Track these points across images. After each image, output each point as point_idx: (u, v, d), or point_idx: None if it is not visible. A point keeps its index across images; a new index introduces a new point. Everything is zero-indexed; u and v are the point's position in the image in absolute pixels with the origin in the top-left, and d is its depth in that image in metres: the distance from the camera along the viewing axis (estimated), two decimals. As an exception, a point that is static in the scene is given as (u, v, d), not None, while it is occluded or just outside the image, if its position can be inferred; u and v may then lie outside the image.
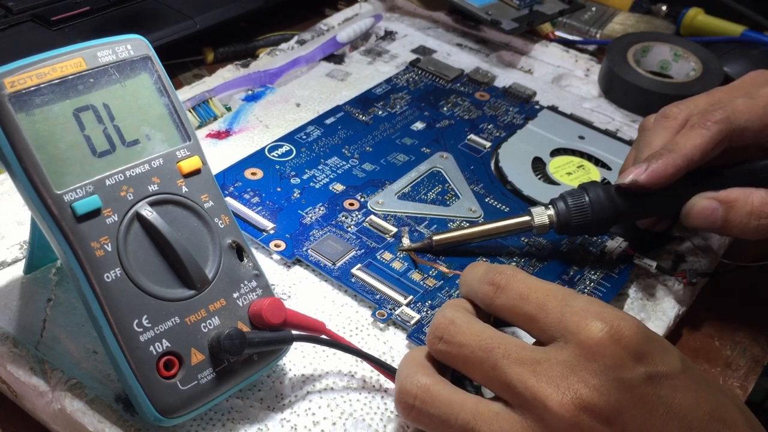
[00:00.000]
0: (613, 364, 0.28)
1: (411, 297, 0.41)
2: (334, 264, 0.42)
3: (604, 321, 0.29)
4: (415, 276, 0.42)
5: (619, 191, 0.42)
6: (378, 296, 0.41)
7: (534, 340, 0.32)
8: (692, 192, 0.41)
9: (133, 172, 0.33)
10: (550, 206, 0.43)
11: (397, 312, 0.40)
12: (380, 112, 0.56)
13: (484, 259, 0.44)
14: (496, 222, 0.44)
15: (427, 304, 0.40)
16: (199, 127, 0.53)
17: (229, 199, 0.45)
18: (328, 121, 0.54)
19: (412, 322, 0.39)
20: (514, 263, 0.44)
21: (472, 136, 0.54)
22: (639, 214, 0.43)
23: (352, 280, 0.41)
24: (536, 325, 0.31)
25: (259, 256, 0.42)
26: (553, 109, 0.58)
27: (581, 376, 0.28)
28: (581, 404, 0.28)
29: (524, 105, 0.58)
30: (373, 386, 0.37)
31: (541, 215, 0.43)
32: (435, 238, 0.43)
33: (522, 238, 0.46)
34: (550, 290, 0.32)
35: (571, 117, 0.57)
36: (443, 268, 0.42)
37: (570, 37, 0.70)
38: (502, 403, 0.30)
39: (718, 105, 0.41)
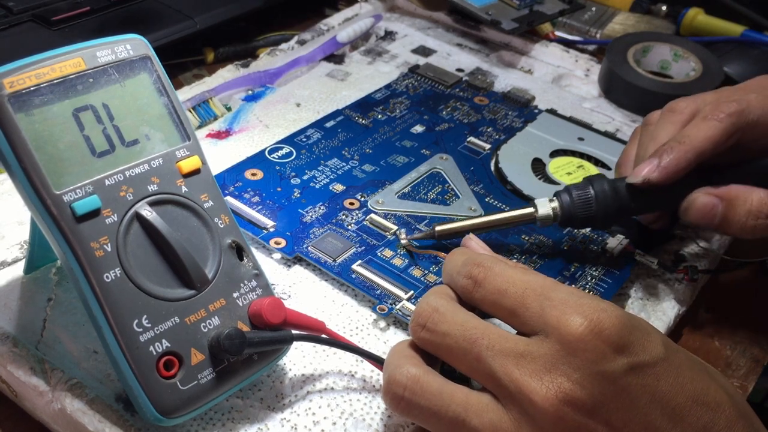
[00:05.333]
0: (594, 358, 0.28)
1: (412, 292, 0.41)
2: (334, 260, 0.42)
3: (584, 315, 0.29)
4: (416, 272, 0.42)
5: (629, 187, 0.41)
6: (378, 291, 0.41)
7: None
8: (698, 187, 0.41)
9: (132, 172, 0.33)
10: (554, 198, 0.43)
11: (397, 307, 0.40)
12: (380, 116, 0.56)
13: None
14: (500, 213, 0.43)
15: (427, 301, 0.40)
16: (199, 127, 0.53)
17: (229, 198, 0.45)
18: (328, 125, 0.54)
19: (413, 318, 0.39)
20: (514, 260, 0.44)
21: (472, 139, 0.54)
22: (644, 208, 0.43)
23: (353, 275, 0.41)
24: (517, 319, 0.31)
25: (259, 256, 0.42)
26: (552, 112, 0.58)
27: (563, 370, 0.28)
28: (565, 398, 0.28)
29: (523, 109, 0.58)
30: (374, 386, 0.37)
31: (545, 207, 0.42)
32: (438, 228, 0.43)
33: (522, 236, 0.46)
34: (529, 283, 0.31)
35: (570, 119, 0.57)
36: (443, 255, 0.42)
37: (570, 37, 0.70)
38: (490, 395, 0.30)
39: (730, 98, 0.41)
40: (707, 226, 0.41)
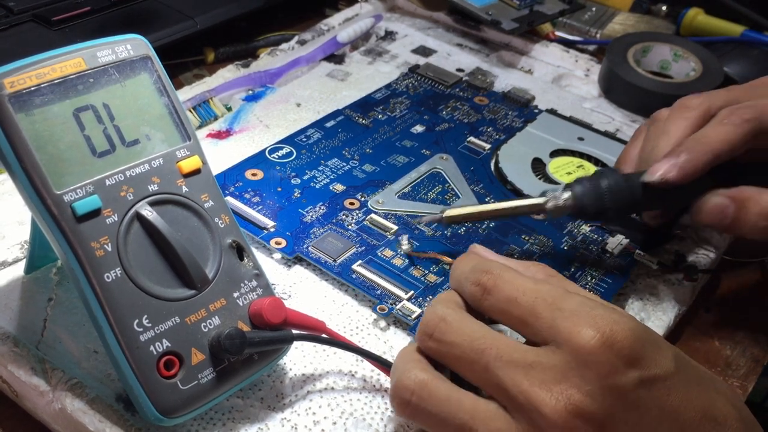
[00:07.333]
0: (606, 371, 0.28)
1: (412, 292, 0.41)
2: (334, 260, 0.42)
3: (596, 327, 0.28)
4: (416, 272, 0.42)
5: (643, 184, 0.40)
6: (379, 291, 0.41)
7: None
8: (711, 186, 0.40)
9: (133, 172, 0.33)
10: (567, 189, 0.42)
11: (398, 307, 0.40)
12: (380, 116, 0.56)
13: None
14: (511, 201, 0.42)
15: (428, 299, 0.40)
16: (200, 127, 0.53)
17: (229, 198, 0.45)
18: (329, 125, 0.54)
19: (413, 316, 0.39)
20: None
21: (472, 139, 0.54)
22: (655, 205, 0.42)
23: (353, 275, 0.41)
24: (527, 329, 0.31)
25: (260, 256, 0.42)
26: (552, 112, 0.58)
27: (574, 381, 0.28)
28: (575, 410, 0.28)
29: (523, 109, 0.58)
30: (374, 386, 0.37)
31: (558, 198, 0.41)
32: (446, 213, 0.42)
33: (523, 236, 0.46)
34: (540, 292, 0.31)
35: (570, 119, 0.57)
36: (446, 259, 0.42)
37: (570, 37, 0.70)
38: (498, 403, 0.30)
39: (745, 102, 0.41)
40: (718, 227, 0.41)
